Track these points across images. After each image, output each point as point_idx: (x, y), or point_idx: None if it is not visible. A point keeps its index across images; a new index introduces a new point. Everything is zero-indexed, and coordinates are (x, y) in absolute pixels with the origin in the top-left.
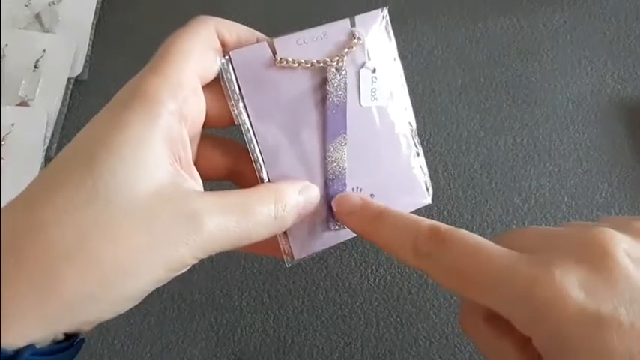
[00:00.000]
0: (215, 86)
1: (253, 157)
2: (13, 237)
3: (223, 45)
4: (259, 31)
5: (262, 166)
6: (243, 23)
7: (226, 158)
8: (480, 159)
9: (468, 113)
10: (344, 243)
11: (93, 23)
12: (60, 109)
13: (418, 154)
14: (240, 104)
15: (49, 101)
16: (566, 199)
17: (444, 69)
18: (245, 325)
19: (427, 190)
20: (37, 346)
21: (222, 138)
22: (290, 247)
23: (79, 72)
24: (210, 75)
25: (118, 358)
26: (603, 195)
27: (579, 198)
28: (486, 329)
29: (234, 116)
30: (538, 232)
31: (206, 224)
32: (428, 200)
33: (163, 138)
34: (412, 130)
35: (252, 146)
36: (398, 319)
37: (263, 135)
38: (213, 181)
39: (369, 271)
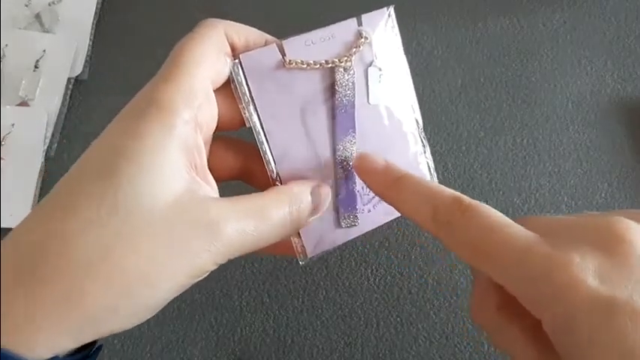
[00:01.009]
0: (225, 89)
1: (265, 157)
2: (36, 249)
3: (233, 48)
4: (260, 30)
5: (274, 166)
6: (243, 22)
7: (237, 158)
8: (479, 159)
9: (468, 113)
10: (344, 243)
11: (93, 23)
12: (60, 109)
13: (425, 151)
14: (251, 107)
15: (49, 101)
16: (566, 199)
17: (444, 69)
18: (245, 325)
19: None
20: (60, 357)
21: (232, 138)
22: (303, 245)
23: (79, 72)
24: (222, 79)
25: (118, 358)
26: (603, 195)
27: (579, 198)
28: (498, 317)
29: (245, 119)
30: (554, 219)
31: (225, 230)
32: None
33: (180, 147)
34: (419, 127)
35: (263, 147)
36: (398, 319)
37: (274, 136)
38: (224, 181)
39: (369, 271)
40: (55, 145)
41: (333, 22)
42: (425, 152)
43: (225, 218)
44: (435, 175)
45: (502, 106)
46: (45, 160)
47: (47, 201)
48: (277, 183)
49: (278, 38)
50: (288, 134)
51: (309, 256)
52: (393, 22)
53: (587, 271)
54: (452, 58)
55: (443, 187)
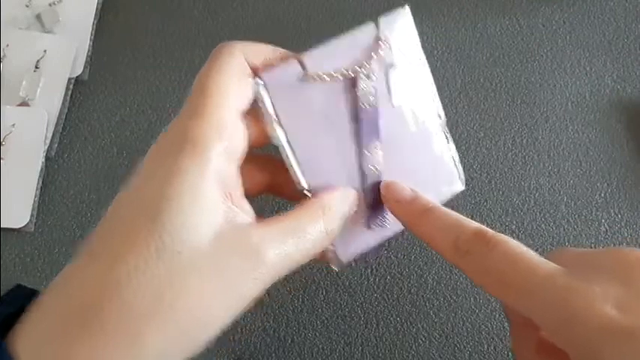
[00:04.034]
0: (250, 109)
1: (292, 171)
2: (91, 298)
3: (252, 69)
4: (260, 30)
5: (302, 180)
6: (242, 22)
7: (264, 174)
8: (479, 159)
9: (467, 113)
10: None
11: (93, 23)
12: (60, 110)
13: (448, 144)
14: (276, 124)
15: (49, 101)
16: (565, 199)
17: (443, 69)
18: (245, 325)
19: (460, 177)
20: None
21: (257, 154)
22: (336, 252)
23: (80, 72)
24: (248, 102)
25: None
26: (602, 195)
27: (578, 198)
28: (537, 358)
29: (270, 136)
30: (578, 252)
31: (268, 255)
32: (461, 187)
33: (215, 180)
34: (441, 121)
35: (290, 162)
36: (398, 319)
37: (300, 150)
38: (254, 197)
39: (369, 271)
40: (56, 145)
41: (332, 19)
42: (448, 144)
43: (266, 242)
44: (461, 167)
45: (502, 107)
46: (45, 160)
47: (93, 248)
48: (307, 195)
49: (287, 42)
50: (314, 146)
51: (344, 262)
52: (410, 21)
53: (605, 301)
54: (452, 58)
55: (467, 220)
